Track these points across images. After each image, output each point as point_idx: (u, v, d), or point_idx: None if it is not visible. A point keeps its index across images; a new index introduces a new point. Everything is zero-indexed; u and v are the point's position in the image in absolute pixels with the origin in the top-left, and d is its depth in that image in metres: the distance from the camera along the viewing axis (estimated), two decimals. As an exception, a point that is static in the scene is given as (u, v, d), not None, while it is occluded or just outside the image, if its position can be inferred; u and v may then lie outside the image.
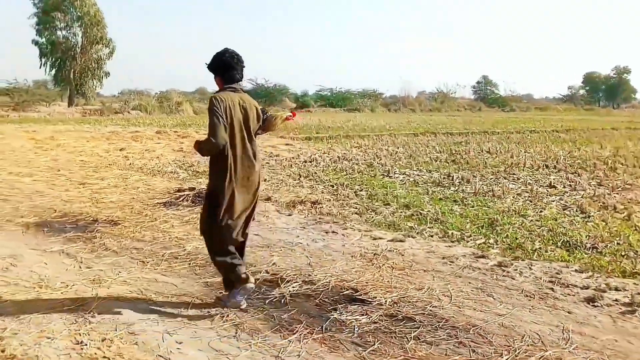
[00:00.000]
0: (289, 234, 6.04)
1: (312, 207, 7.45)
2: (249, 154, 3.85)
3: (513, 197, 8.41)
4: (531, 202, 8.05)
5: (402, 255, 5.14)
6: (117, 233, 5.94)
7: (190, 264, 4.92)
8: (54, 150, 13.75)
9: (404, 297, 4.10)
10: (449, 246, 5.56)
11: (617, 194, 8.70)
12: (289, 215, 6.90)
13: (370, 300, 4.05)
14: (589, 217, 7.07)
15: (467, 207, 7.58)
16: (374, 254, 5.18)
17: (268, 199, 7.84)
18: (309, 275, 4.60)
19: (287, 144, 16.24)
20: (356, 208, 7.51)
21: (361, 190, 8.86)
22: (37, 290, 4.15)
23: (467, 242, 5.83)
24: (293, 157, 13.37)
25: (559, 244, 5.78)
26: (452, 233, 6.17)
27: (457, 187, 9.21)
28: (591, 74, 69.01)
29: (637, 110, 59.29)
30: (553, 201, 8.14)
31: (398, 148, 15.50)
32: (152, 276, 4.57)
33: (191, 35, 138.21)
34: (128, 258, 5.06)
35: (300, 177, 10.13)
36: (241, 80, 3.95)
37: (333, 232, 6.04)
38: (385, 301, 4.02)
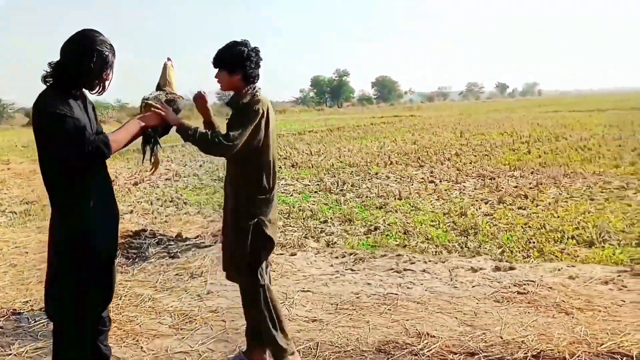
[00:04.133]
0: (351, 282, 4.33)
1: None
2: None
3: (417, 195, 8.00)
4: (445, 200, 7.74)
5: (552, 288, 3.97)
6: (134, 332, 3.51)
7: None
8: None
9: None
10: (572, 265, 4.58)
11: (494, 181, 8.95)
12: (292, 255, 5.10)
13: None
14: (523, 208, 7.00)
15: (407, 215, 6.82)
16: (519, 293, 3.94)
17: (178, 235, 5.85)
18: (507, 343, 3.20)
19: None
20: (299, 232, 6.10)
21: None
22: None
23: (486, 254, 5.07)
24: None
25: (573, 239, 5.41)
26: (452, 246, 5.35)
27: (357, 193, 8.40)
28: (317, 77, 75.56)
29: (357, 107, 66.90)
30: (462, 196, 7.97)
31: (204, 159, 13.55)
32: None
33: None
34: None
35: (166, 201, 8.04)
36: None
37: (405, 269, 4.51)
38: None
